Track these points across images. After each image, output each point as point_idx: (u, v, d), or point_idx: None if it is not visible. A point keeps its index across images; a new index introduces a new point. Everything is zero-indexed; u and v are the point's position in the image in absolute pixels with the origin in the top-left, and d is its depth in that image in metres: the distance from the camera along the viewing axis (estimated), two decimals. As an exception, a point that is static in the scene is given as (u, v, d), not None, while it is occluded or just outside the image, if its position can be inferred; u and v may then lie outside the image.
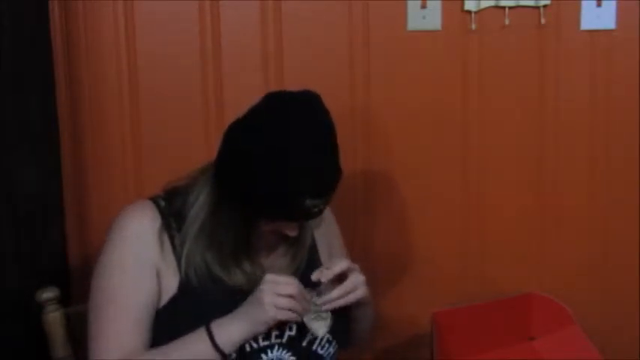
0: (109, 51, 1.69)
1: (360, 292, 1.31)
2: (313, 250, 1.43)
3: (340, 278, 1.30)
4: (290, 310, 1.25)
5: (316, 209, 1.24)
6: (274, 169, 1.20)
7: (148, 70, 1.70)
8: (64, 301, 1.43)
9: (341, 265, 1.29)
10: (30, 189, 1.56)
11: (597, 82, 1.79)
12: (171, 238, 1.30)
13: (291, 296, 1.25)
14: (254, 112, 1.25)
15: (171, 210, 1.32)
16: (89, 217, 1.72)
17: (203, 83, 1.72)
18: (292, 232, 1.30)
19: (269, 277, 1.26)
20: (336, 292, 1.29)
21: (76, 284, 1.67)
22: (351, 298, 1.30)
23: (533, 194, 1.83)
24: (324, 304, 1.29)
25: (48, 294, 1.44)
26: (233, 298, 1.28)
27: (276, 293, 1.24)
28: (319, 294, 1.30)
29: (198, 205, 1.29)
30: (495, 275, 1.84)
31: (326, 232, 1.47)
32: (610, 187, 1.83)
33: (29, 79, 1.56)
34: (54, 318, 1.42)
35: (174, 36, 1.70)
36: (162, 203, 1.32)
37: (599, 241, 1.85)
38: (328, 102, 1.74)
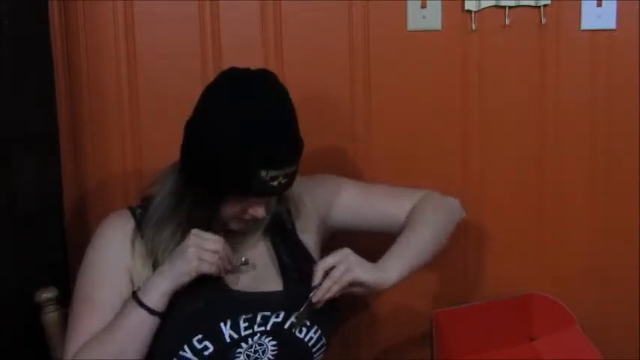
0: (109, 51, 1.70)
1: (347, 277, 1.31)
2: (300, 246, 1.45)
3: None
4: (212, 263, 1.28)
5: (276, 183, 1.27)
6: (229, 139, 1.24)
7: (147, 70, 1.70)
8: (63, 301, 1.44)
9: (317, 271, 1.32)
10: (30, 189, 1.56)
11: (597, 82, 1.78)
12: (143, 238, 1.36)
13: (215, 252, 1.28)
14: (210, 89, 1.33)
15: (144, 212, 1.38)
16: (89, 217, 1.72)
17: (203, 83, 1.67)
18: (258, 212, 1.32)
19: (195, 231, 1.29)
20: (325, 283, 1.31)
21: (76, 284, 1.67)
22: (335, 289, 1.31)
23: (534, 194, 1.83)
24: (318, 299, 1.32)
25: (47, 294, 1.45)
26: (201, 285, 1.31)
27: (202, 247, 1.27)
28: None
29: (162, 195, 1.36)
30: (495, 275, 1.83)
31: (307, 219, 1.48)
32: (610, 186, 1.83)
33: (29, 79, 1.56)
34: (53, 318, 1.43)
35: (174, 36, 1.70)
36: (138, 210, 1.40)
37: (600, 240, 1.85)
38: (328, 102, 1.76)
